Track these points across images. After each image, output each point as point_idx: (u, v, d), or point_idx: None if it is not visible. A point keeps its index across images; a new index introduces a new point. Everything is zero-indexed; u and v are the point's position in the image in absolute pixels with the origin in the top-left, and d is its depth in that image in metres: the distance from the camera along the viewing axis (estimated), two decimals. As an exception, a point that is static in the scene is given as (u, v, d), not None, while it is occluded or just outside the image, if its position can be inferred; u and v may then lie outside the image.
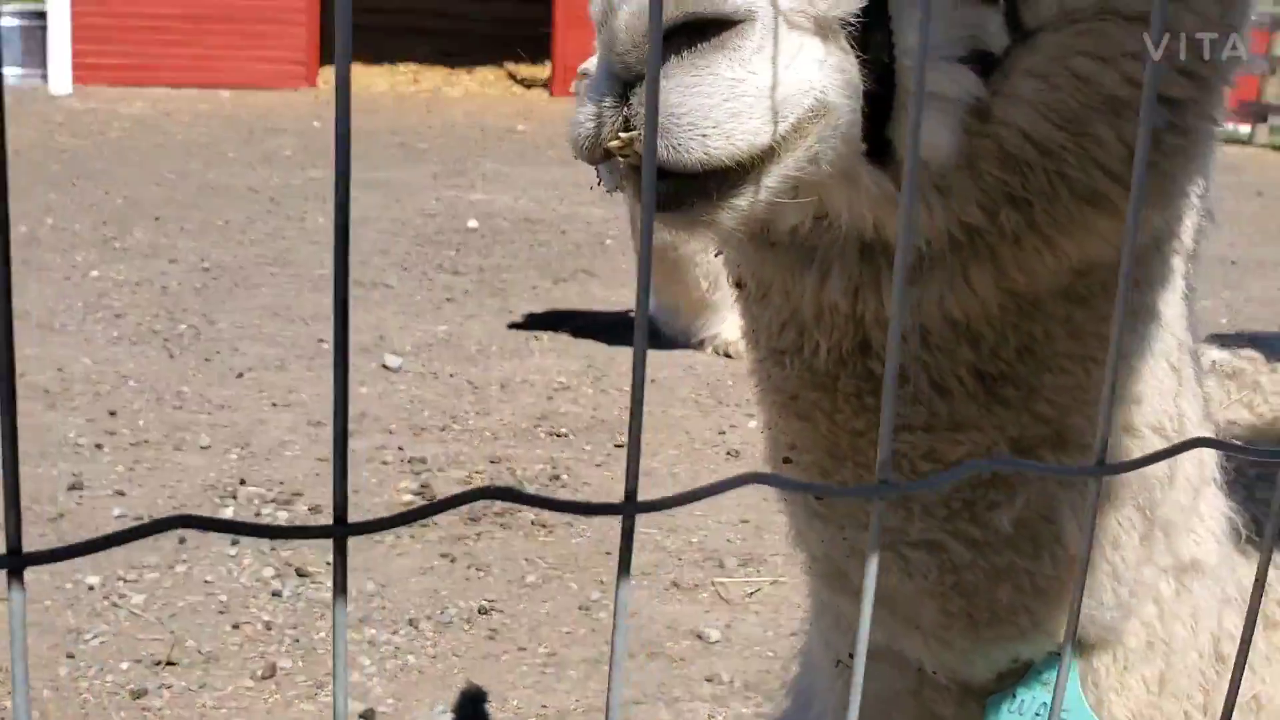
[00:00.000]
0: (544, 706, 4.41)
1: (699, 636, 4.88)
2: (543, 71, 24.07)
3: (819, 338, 1.61)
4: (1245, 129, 21.07)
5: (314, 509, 5.77)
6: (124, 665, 4.48)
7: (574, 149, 1.32)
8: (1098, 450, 1.10)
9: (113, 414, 6.78)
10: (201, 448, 6.42)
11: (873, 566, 0.94)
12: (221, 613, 4.87)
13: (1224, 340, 3.13)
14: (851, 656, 1.12)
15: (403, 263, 10.52)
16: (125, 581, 5.02)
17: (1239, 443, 2.30)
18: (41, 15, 20.33)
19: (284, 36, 21.39)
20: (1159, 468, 1.66)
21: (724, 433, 7.11)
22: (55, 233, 10.85)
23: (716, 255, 1.75)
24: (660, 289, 8.08)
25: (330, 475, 1.54)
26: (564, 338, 8.69)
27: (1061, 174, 1.37)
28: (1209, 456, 1.80)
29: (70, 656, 4.49)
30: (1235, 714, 1.27)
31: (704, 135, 1.24)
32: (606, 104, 1.28)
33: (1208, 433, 1.81)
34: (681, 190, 1.30)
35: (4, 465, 0.65)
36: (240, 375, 7.56)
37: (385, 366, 7.79)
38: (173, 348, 8.01)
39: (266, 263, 10.27)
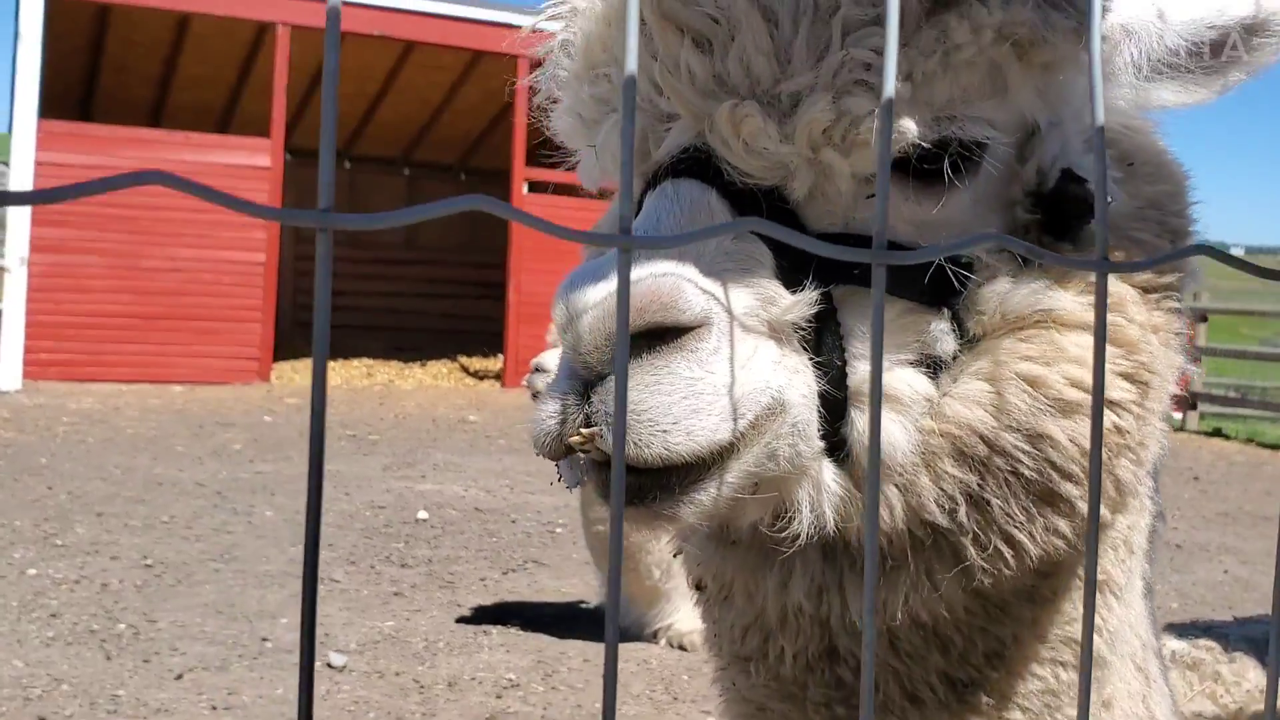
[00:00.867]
0: None
1: None
2: (495, 364, 24.56)
3: (784, 643, 1.59)
4: (1177, 415, 21.68)
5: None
6: None
7: (536, 445, 1.34)
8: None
9: (42, 720, 6.47)
10: (134, 756, 6.11)
11: None
12: None
13: (1180, 630, 3.12)
14: None
15: (350, 556, 10.36)
16: None
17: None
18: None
19: (238, 332, 21.72)
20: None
21: (680, 730, 6.89)
22: (-6, 530, 10.63)
23: (676, 555, 1.75)
24: (612, 580, 7.96)
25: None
26: (513, 631, 8.51)
27: (1017, 473, 1.40)
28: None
29: None
30: None
31: (664, 431, 1.26)
32: (570, 401, 1.31)
33: (1177, 731, 1.79)
34: (644, 485, 1.31)
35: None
36: (179, 676, 7.28)
37: (329, 665, 7.56)
38: (110, 648, 7.74)
39: (211, 558, 10.08)
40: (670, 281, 1.27)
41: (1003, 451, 1.39)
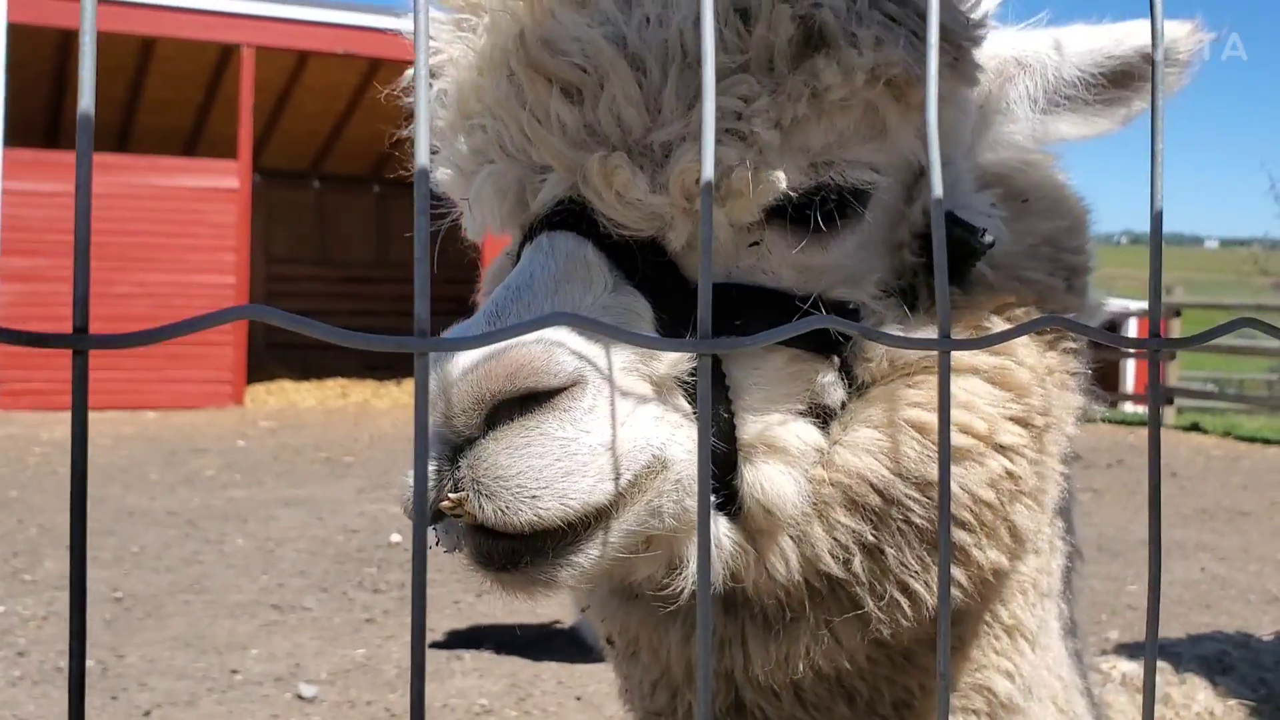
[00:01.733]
0: None
1: None
2: (470, 380, 24.45)
3: (691, 697, 1.55)
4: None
5: None
6: None
7: (405, 510, 1.30)
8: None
9: (4, 764, 6.39)
10: (98, 798, 6.02)
11: None
12: None
13: (1132, 651, 3.10)
14: None
15: (322, 583, 10.28)
16: None
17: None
18: (-34, 345, 20.42)
19: (210, 356, 21.61)
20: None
21: (653, 751, 6.83)
22: (-39, 567, 10.52)
23: (583, 611, 1.70)
24: (584, 601, 7.91)
25: None
26: (487, 655, 8.44)
27: (910, 522, 1.37)
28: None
29: None
30: None
31: (534, 496, 1.22)
32: (439, 467, 1.28)
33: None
34: (516, 549, 1.27)
35: None
36: (147, 713, 7.20)
37: (300, 696, 7.47)
38: (76, 686, 7.63)
39: (181, 590, 9.98)
40: (539, 348, 1.22)
41: (894, 500, 1.35)
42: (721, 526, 1.36)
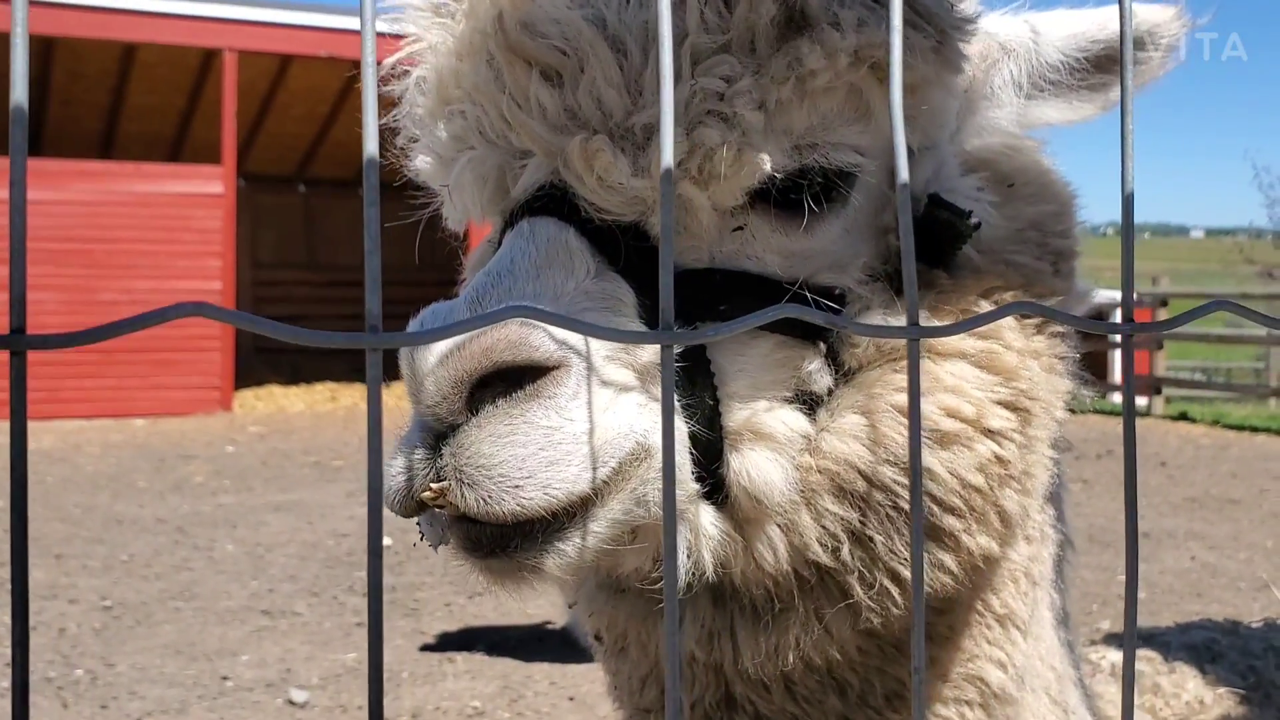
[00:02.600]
0: None
1: None
2: (459, 382, 24.41)
3: (681, 692, 1.53)
4: (1143, 401, 21.80)
5: None
6: None
7: (386, 504, 1.28)
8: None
9: (-7, 776, 6.34)
10: (89, 807, 5.98)
11: None
12: None
13: (1121, 641, 3.09)
14: None
15: (312, 588, 10.24)
16: None
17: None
18: (-49, 355, 20.29)
19: (198, 362, 21.54)
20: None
21: (647, 750, 6.81)
22: (-51, 578, 10.45)
23: (570, 606, 1.68)
24: (575, 600, 7.89)
25: None
26: (479, 657, 8.42)
27: (898, 508, 1.35)
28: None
29: None
30: None
31: (516, 486, 1.20)
32: (418, 456, 1.25)
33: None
34: (505, 533, 1.25)
35: None
36: (137, 722, 7.16)
37: (291, 702, 7.44)
38: (67, 695, 7.60)
39: (170, 597, 9.94)
40: (516, 325, 1.20)
41: (882, 486, 1.34)
42: (708, 515, 1.35)
